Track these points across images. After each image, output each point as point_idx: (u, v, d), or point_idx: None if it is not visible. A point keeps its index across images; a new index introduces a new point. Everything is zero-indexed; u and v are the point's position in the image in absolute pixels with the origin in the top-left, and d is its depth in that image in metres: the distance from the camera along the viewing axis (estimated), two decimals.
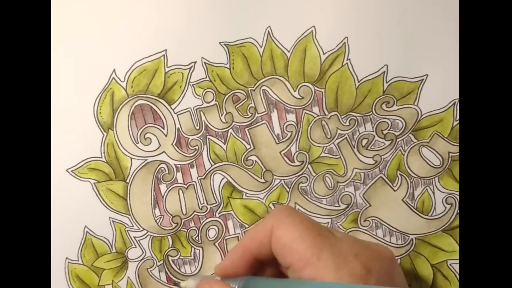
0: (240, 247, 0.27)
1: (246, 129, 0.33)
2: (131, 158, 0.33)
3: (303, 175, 0.34)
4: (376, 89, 0.33)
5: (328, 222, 0.34)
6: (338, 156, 0.33)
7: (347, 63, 0.33)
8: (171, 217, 0.33)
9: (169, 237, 0.34)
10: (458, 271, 0.34)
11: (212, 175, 0.33)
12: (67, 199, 0.32)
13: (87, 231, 0.33)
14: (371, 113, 0.33)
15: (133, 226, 0.33)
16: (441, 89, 0.33)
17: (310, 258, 0.24)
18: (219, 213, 0.34)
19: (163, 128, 0.33)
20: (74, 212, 0.32)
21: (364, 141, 0.33)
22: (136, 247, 0.33)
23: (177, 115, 0.33)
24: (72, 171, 0.32)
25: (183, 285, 0.30)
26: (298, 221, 0.25)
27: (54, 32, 0.31)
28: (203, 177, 0.33)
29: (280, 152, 0.33)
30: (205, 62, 0.32)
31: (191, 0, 0.31)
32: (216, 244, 0.34)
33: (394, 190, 0.34)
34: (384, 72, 0.33)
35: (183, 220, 0.33)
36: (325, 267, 0.23)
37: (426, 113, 0.33)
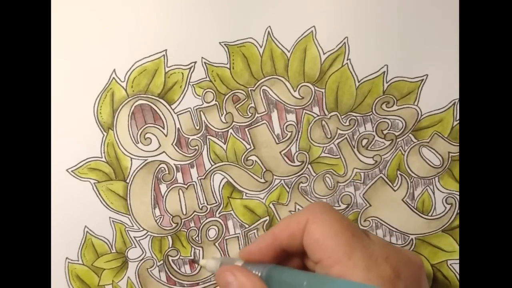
0: (270, 235, 0.27)
1: (246, 129, 0.33)
2: (131, 158, 0.33)
3: (303, 175, 0.34)
4: (376, 89, 0.33)
5: None
6: (338, 156, 0.33)
7: (347, 63, 0.33)
8: (171, 217, 0.33)
9: (169, 237, 0.34)
10: (458, 271, 0.34)
11: (212, 175, 0.33)
12: (67, 199, 0.32)
13: (87, 231, 0.33)
14: (371, 113, 0.33)
15: (133, 226, 0.33)
16: (441, 89, 0.33)
17: (342, 256, 0.24)
18: (219, 213, 0.34)
19: (163, 128, 0.33)
20: (74, 212, 0.32)
21: (364, 141, 0.33)
22: (136, 247, 0.33)
23: (177, 115, 0.33)
24: (72, 171, 0.32)
25: (203, 263, 0.30)
26: (334, 219, 0.26)
27: (54, 32, 0.31)
28: (203, 177, 0.33)
29: (280, 152, 0.33)
30: (205, 62, 0.32)
31: (191, 0, 0.31)
32: (216, 244, 0.34)
33: (394, 190, 0.34)
34: (384, 72, 0.33)
35: (183, 220, 0.33)
36: (355, 267, 0.24)
37: (426, 113, 0.33)
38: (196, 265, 0.34)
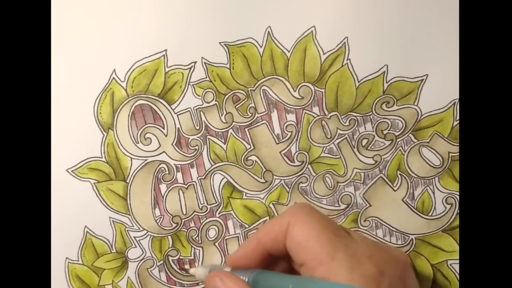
0: (254, 240, 0.27)
1: (246, 129, 0.33)
2: (131, 158, 0.33)
3: (303, 175, 0.34)
4: (376, 89, 0.33)
5: None
6: (338, 156, 0.33)
7: (347, 63, 0.33)
8: (171, 217, 0.33)
9: (169, 237, 0.34)
10: (458, 271, 0.34)
11: (212, 175, 0.33)
12: (67, 199, 0.32)
13: (87, 231, 0.33)
14: (371, 113, 0.33)
15: (133, 226, 0.33)
16: (441, 89, 0.33)
17: (324, 257, 0.24)
18: (219, 213, 0.34)
19: (163, 128, 0.33)
20: (74, 212, 0.32)
21: (364, 141, 0.33)
22: (136, 247, 0.33)
23: (177, 115, 0.33)
24: (72, 171, 0.32)
25: (192, 271, 0.30)
26: (315, 220, 0.26)
27: (54, 32, 0.31)
28: (203, 177, 0.33)
29: (280, 152, 0.33)
30: (205, 62, 0.32)
31: (191, 0, 0.31)
32: (216, 244, 0.34)
33: (394, 190, 0.34)
34: (384, 72, 0.33)
35: (183, 220, 0.33)
36: (338, 268, 0.23)
37: (426, 113, 0.33)
38: (196, 265, 0.34)
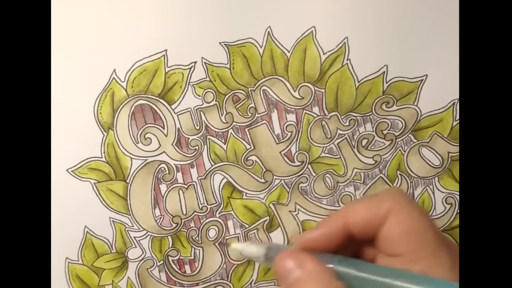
0: (339, 220, 0.24)
1: (246, 129, 0.33)
2: (131, 158, 0.33)
3: (303, 175, 0.34)
4: (376, 89, 0.33)
5: None
6: (338, 156, 0.33)
7: (347, 63, 0.33)
8: (171, 217, 0.33)
9: (169, 237, 0.34)
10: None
11: (212, 175, 0.33)
12: (67, 199, 0.32)
13: (87, 231, 0.33)
14: (371, 113, 0.33)
15: (133, 226, 0.33)
16: (441, 89, 0.33)
17: (428, 253, 0.22)
18: (219, 213, 0.34)
19: (163, 128, 0.33)
20: (74, 212, 0.32)
21: (364, 141, 0.33)
22: (136, 247, 0.33)
23: (177, 115, 0.33)
24: (72, 171, 0.32)
25: (236, 247, 0.26)
26: (420, 212, 0.23)
27: (54, 32, 0.31)
28: (203, 177, 0.33)
29: (280, 152, 0.33)
30: (205, 62, 0.32)
31: (191, 0, 0.31)
32: (216, 244, 0.34)
33: None
34: (384, 72, 0.33)
35: (183, 220, 0.33)
36: (441, 266, 0.22)
37: (425, 113, 0.33)
38: (196, 265, 0.34)
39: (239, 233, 0.34)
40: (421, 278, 0.21)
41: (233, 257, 0.31)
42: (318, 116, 0.33)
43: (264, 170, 0.33)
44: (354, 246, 0.24)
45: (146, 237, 0.33)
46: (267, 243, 0.30)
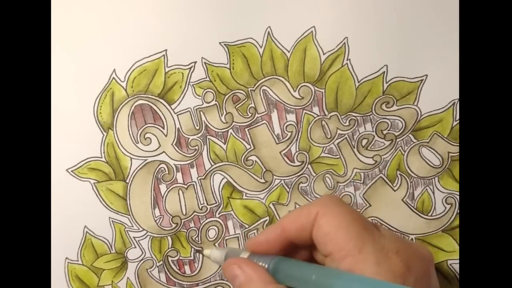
0: (278, 226, 0.27)
1: (246, 129, 0.33)
2: (131, 158, 0.33)
3: (303, 175, 0.34)
4: (376, 89, 0.33)
5: None
6: (338, 156, 0.33)
7: (347, 63, 0.33)
8: (171, 217, 0.33)
9: (169, 237, 0.33)
10: (458, 271, 0.34)
11: (212, 175, 0.33)
12: (67, 199, 0.32)
13: (87, 231, 0.33)
14: (371, 113, 0.33)
15: (132, 226, 0.33)
16: (441, 89, 0.33)
17: (352, 250, 0.24)
18: (219, 213, 0.34)
19: (163, 128, 0.33)
20: (74, 212, 0.32)
21: (364, 141, 0.33)
22: (135, 247, 0.33)
23: (177, 115, 0.33)
24: (72, 171, 0.32)
25: (207, 253, 0.30)
26: (345, 212, 0.25)
27: (54, 32, 0.31)
28: (203, 177, 0.33)
29: (280, 152, 0.33)
30: (205, 62, 0.32)
31: (191, 0, 0.31)
32: (216, 244, 0.34)
33: (394, 190, 0.34)
34: (384, 72, 0.33)
35: (183, 221, 0.33)
36: (365, 261, 0.23)
37: (425, 113, 0.33)
38: (196, 266, 0.34)
39: (239, 233, 0.34)
40: (336, 273, 0.23)
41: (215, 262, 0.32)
42: (318, 116, 0.33)
43: (264, 170, 0.33)
44: (305, 249, 0.27)
45: (145, 237, 0.33)
46: (227, 248, 0.32)
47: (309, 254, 0.28)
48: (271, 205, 0.34)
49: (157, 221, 0.33)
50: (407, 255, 0.24)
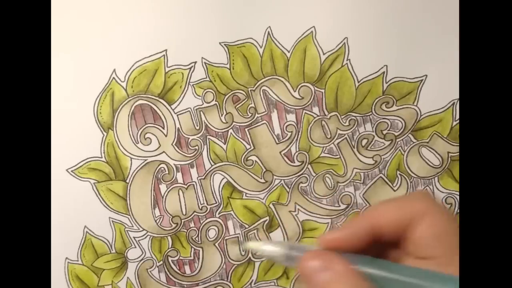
0: (366, 220, 0.23)
1: (246, 129, 0.33)
2: (131, 158, 0.33)
3: (303, 175, 0.34)
4: (375, 90, 0.33)
5: (328, 222, 0.34)
6: (338, 156, 0.33)
7: (347, 64, 0.33)
8: (171, 217, 0.33)
9: (169, 237, 0.33)
10: None
11: (212, 175, 0.33)
12: (67, 199, 0.32)
13: (87, 231, 0.33)
14: (370, 113, 0.33)
15: (132, 226, 0.33)
16: (440, 89, 0.33)
17: (458, 254, 0.23)
18: (219, 213, 0.34)
19: (163, 128, 0.33)
20: (74, 212, 0.32)
21: (364, 141, 0.33)
22: (135, 247, 0.33)
23: (177, 115, 0.33)
24: (72, 171, 0.32)
25: (254, 246, 0.24)
26: (449, 215, 0.23)
27: (54, 32, 0.31)
28: (203, 177, 0.33)
29: (280, 152, 0.33)
30: (205, 62, 0.32)
31: (191, 0, 0.31)
32: (216, 244, 0.34)
33: (394, 190, 0.34)
34: (383, 72, 0.33)
35: (183, 220, 0.33)
36: None
37: (425, 113, 0.33)
38: (196, 266, 0.34)
39: (239, 233, 0.34)
40: (451, 278, 0.21)
41: (254, 256, 0.30)
42: (318, 116, 0.33)
43: (264, 170, 0.33)
44: (376, 248, 0.24)
45: (145, 237, 0.33)
46: (287, 242, 0.29)
47: (380, 253, 0.24)
48: (271, 205, 0.34)
49: (157, 221, 0.33)
50: None
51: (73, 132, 0.32)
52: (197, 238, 0.34)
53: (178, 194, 0.33)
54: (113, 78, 0.32)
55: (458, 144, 0.33)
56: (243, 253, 0.34)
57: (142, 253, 0.33)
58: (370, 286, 0.21)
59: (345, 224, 0.25)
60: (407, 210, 0.23)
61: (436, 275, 0.22)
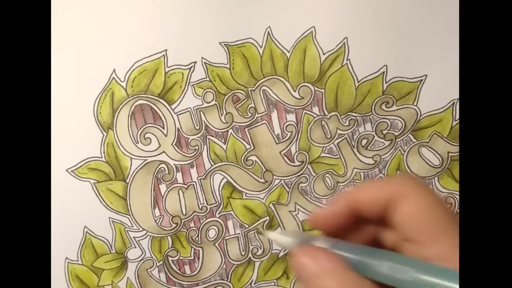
0: (350, 200, 0.24)
1: (246, 129, 0.33)
2: (131, 158, 0.33)
3: (303, 175, 0.34)
4: (375, 89, 0.33)
5: None
6: (338, 156, 0.33)
7: (346, 64, 0.33)
8: (171, 217, 0.33)
9: (168, 237, 0.33)
10: None
11: (212, 175, 0.33)
12: (67, 199, 0.32)
13: (86, 231, 0.33)
14: (370, 113, 0.33)
15: (132, 226, 0.33)
16: (440, 89, 0.33)
17: (442, 235, 0.23)
18: (219, 213, 0.34)
19: (163, 128, 0.33)
20: (74, 212, 0.32)
21: (364, 141, 0.33)
22: (135, 247, 0.33)
23: (177, 115, 0.33)
24: (72, 171, 0.32)
25: (273, 236, 0.25)
26: (433, 195, 0.23)
27: (54, 32, 0.31)
28: (203, 177, 0.33)
29: (280, 152, 0.33)
30: (205, 62, 0.32)
31: (191, 0, 0.31)
32: (216, 244, 0.34)
33: None
34: (383, 72, 0.33)
35: (183, 220, 0.33)
36: (454, 248, 0.23)
37: (425, 113, 0.33)
38: (196, 266, 0.34)
39: (239, 233, 0.34)
40: (437, 269, 0.21)
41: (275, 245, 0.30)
42: (318, 116, 0.33)
43: (264, 170, 0.33)
44: (372, 231, 0.25)
45: (145, 237, 0.33)
46: (300, 232, 0.30)
47: (371, 234, 0.25)
48: (271, 205, 0.34)
49: (157, 221, 0.33)
50: None
51: (73, 132, 0.32)
52: (197, 238, 0.34)
53: (178, 194, 0.33)
54: (113, 78, 0.32)
55: (458, 144, 0.33)
56: (242, 252, 0.34)
57: (142, 253, 0.33)
58: (357, 278, 0.22)
59: (329, 202, 0.26)
60: (388, 190, 0.24)
61: (423, 264, 0.22)
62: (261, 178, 0.33)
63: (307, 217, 0.24)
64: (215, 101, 0.33)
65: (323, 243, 0.24)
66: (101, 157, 0.32)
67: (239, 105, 0.33)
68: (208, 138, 0.33)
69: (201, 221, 0.34)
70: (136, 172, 0.33)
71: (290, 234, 0.26)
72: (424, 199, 0.23)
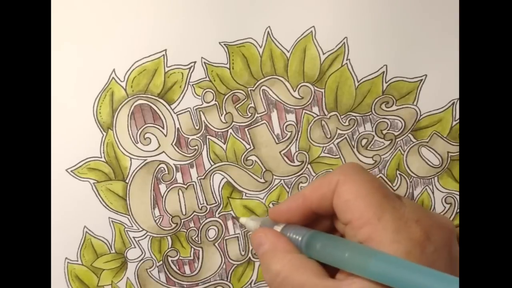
0: (300, 196, 0.27)
1: (246, 129, 0.33)
2: (131, 158, 0.33)
3: (303, 175, 0.34)
4: (375, 89, 0.33)
5: None
6: (338, 156, 0.33)
7: (346, 63, 0.33)
8: (171, 217, 0.33)
9: (168, 237, 0.33)
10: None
11: (212, 175, 0.33)
12: (67, 199, 0.32)
13: (86, 231, 0.33)
14: (370, 113, 0.33)
15: (132, 226, 0.33)
16: (440, 89, 0.33)
17: (371, 217, 0.23)
18: (219, 213, 0.34)
19: (163, 128, 0.33)
20: (74, 212, 0.32)
21: (364, 141, 0.33)
22: (135, 247, 0.33)
23: (177, 115, 0.33)
24: (71, 171, 0.32)
25: (243, 221, 0.31)
26: (366, 180, 0.25)
27: (54, 32, 0.31)
28: (202, 177, 0.33)
29: (280, 152, 0.33)
30: (205, 62, 0.32)
31: (190, 0, 0.31)
32: (216, 244, 0.34)
33: (394, 190, 0.34)
34: (383, 72, 0.33)
35: (182, 220, 0.33)
36: (384, 229, 0.23)
37: (425, 113, 0.33)
38: (196, 266, 0.34)
39: (238, 233, 0.34)
40: (370, 252, 0.23)
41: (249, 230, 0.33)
42: (317, 116, 0.33)
43: (264, 170, 0.33)
44: (329, 221, 0.28)
45: (145, 237, 0.33)
46: (263, 218, 0.32)
47: (330, 224, 0.27)
48: (271, 205, 0.34)
49: (157, 221, 0.33)
50: (427, 224, 0.24)
51: (72, 132, 0.32)
52: (197, 238, 0.34)
53: (178, 194, 0.33)
54: (113, 78, 0.32)
55: (458, 144, 0.33)
56: (242, 252, 0.34)
57: (142, 253, 0.33)
58: (299, 257, 0.25)
59: (288, 198, 0.30)
60: (328, 182, 0.26)
61: (361, 249, 0.24)
62: (261, 178, 0.33)
63: (269, 209, 0.28)
64: (215, 101, 0.33)
65: (278, 227, 0.28)
66: (101, 157, 0.32)
67: (239, 105, 0.33)
68: (208, 138, 0.33)
69: (201, 221, 0.34)
70: (136, 172, 0.33)
71: (257, 219, 0.31)
72: (358, 184, 0.25)
